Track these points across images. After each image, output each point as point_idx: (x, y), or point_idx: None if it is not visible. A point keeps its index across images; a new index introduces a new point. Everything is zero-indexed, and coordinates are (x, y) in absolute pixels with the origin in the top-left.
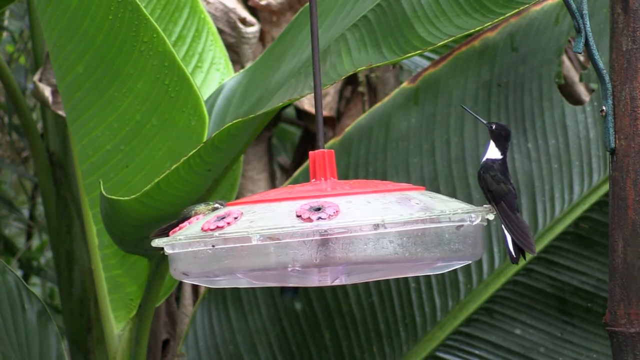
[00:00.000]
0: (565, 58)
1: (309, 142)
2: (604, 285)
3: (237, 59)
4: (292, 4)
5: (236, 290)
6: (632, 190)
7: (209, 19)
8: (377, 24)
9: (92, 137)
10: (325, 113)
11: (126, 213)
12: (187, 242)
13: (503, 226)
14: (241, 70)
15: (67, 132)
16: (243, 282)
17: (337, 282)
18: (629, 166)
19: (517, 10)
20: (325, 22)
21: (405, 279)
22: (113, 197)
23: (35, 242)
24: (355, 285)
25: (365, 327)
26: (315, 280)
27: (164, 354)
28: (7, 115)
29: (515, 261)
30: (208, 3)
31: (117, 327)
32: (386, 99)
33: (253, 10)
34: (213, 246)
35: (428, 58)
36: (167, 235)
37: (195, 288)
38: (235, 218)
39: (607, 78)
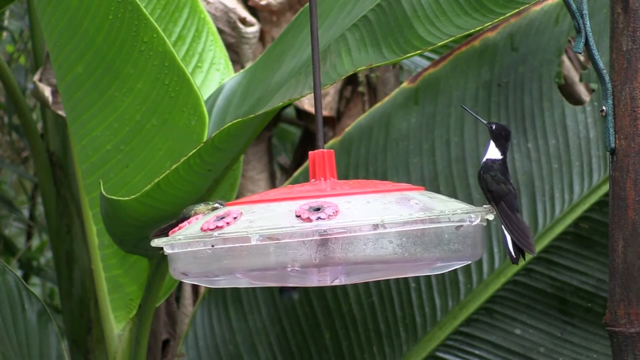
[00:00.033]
0: (565, 58)
1: (309, 142)
2: (604, 285)
3: (237, 59)
4: (292, 4)
5: (236, 290)
6: (632, 190)
7: (209, 19)
8: (377, 24)
9: (92, 137)
10: (325, 113)
11: (126, 213)
12: (187, 242)
13: (503, 226)
14: (241, 70)
15: (67, 132)
16: (243, 282)
17: (336, 282)
18: (629, 166)
19: (517, 10)
20: (326, 22)
21: (405, 279)
22: (113, 197)
23: (35, 242)
24: (355, 285)
25: (365, 327)
26: (314, 280)
27: (164, 354)
28: (7, 115)
29: (515, 261)
30: (208, 3)
31: (117, 327)
32: (386, 99)
33: (253, 10)
34: (212, 246)
35: (428, 58)
36: (167, 235)
37: (195, 288)
38: (235, 218)
39: (607, 78)
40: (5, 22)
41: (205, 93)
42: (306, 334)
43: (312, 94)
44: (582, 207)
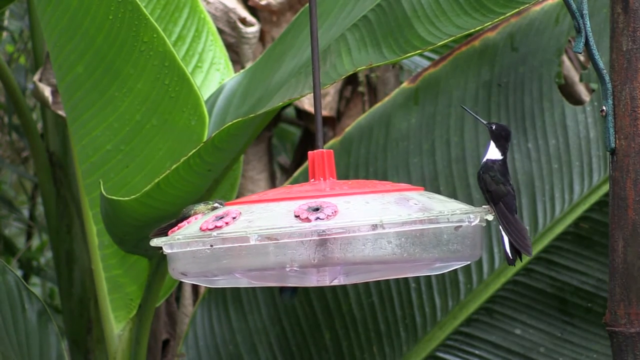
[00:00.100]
0: (565, 58)
1: (309, 142)
2: (604, 285)
3: (237, 59)
4: (292, 4)
5: (236, 290)
6: (632, 190)
7: (209, 19)
8: (377, 23)
9: (92, 137)
10: (325, 113)
11: (126, 213)
12: (186, 241)
13: (500, 227)
14: (241, 71)
15: (67, 132)
16: (242, 282)
17: (335, 282)
18: (629, 166)
19: (517, 10)
20: (326, 23)
21: (405, 279)
22: (113, 197)
23: (35, 242)
24: (355, 285)
25: (365, 327)
26: (313, 280)
27: (164, 354)
28: (7, 115)
29: (511, 262)
30: (208, 3)
31: (117, 327)
32: (386, 99)
33: (253, 10)
34: (211, 246)
35: (428, 58)
36: (166, 235)
37: (195, 288)
38: (234, 218)
39: (607, 78)
40: (5, 22)
41: (205, 93)
42: (306, 334)
43: (312, 94)
44: (582, 207)
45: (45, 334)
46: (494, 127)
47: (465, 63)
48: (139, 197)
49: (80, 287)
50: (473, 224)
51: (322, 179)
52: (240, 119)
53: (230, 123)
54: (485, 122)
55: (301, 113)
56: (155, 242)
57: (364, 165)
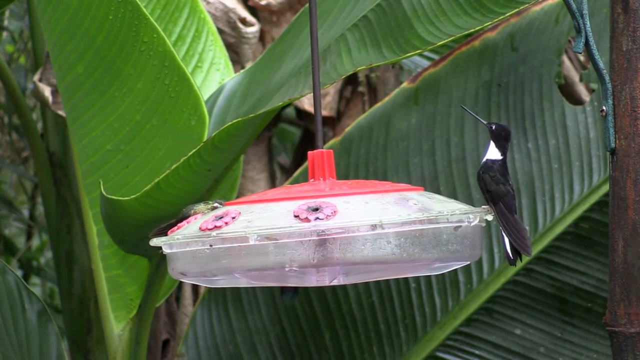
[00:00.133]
0: (565, 58)
1: (309, 142)
2: (604, 285)
3: (237, 59)
4: (292, 4)
5: (236, 290)
6: (632, 190)
7: (209, 19)
8: (377, 23)
9: (92, 137)
10: (325, 113)
11: (126, 213)
12: (185, 241)
13: (500, 227)
14: (242, 71)
15: (67, 132)
16: (242, 282)
17: (335, 282)
18: (629, 166)
19: (517, 10)
20: (326, 23)
21: (406, 279)
22: (113, 197)
23: (35, 242)
24: (355, 285)
25: (365, 327)
26: (313, 280)
27: (164, 354)
28: (7, 115)
29: (512, 263)
30: (208, 3)
31: (117, 327)
32: (386, 99)
33: (253, 10)
34: (211, 246)
35: (428, 58)
36: (166, 235)
37: (195, 288)
38: (233, 218)
39: (607, 78)
40: (5, 22)
41: (205, 93)
42: (306, 334)
43: (312, 94)
44: (582, 207)
45: (45, 334)
46: (493, 127)
47: (465, 63)
48: (139, 197)
49: (80, 287)
50: (472, 224)
51: (321, 179)
52: (240, 119)
53: (230, 123)
54: (485, 122)
55: (301, 113)
56: (155, 241)
57: (364, 165)
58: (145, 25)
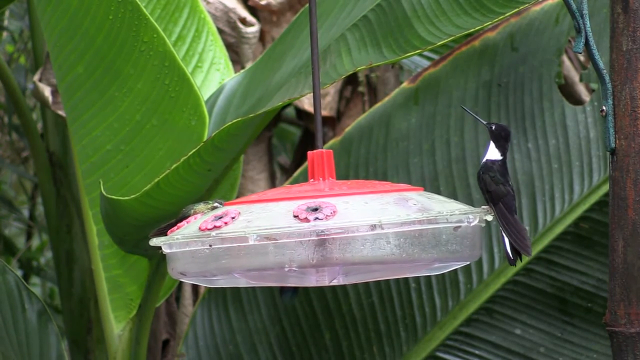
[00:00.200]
0: (565, 58)
1: (309, 142)
2: (604, 285)
3: (237, 59)
4: (292, 4)
5: (236, 290)
6: (632, 190)
7: (209, 19)
8: (377, 23)
9: (92, 137)
10: (325, 113)
11: (126, 213)
12: (185, 241)
13: (500, 228)
14: (242, 71)
15: (67, 132)
16: (241, 282)
17: (334, 282)
18: (629, 166)
19: (517, 10)
20: (326, 23)
21: (406, 279)
22: (113, 197)
23: (35, 242)
24: (355, 285)
25: (365, 327)
26: (313, 280)
27: (164, 354)
28: (7, 115)
29: (512, 263)
30: (208, 3)
31: (117, 327)
32: (386, 99)
33: (253, 10)
34: (210, 246)
35: (428, 58)
36: (166, 235)
37: (195, 288)
38: (233, 218)
39: (607, 78)
40: (5, 22)
41: (205, 93)
42: (306, 334)
43: (312, 94)
44: (582, 207)
45: (45, 334)
46: (493, 127)
47: (465, 63)
48: (138, 197)
49: (80, 287)
50: (472, 224)
51: (321, 179)
52: (240, 119)
53: (230, 123)
54: (485, 122)
55: (301, 113)
56: (154, 241)
57: (364, 165)
58: (145, 25)
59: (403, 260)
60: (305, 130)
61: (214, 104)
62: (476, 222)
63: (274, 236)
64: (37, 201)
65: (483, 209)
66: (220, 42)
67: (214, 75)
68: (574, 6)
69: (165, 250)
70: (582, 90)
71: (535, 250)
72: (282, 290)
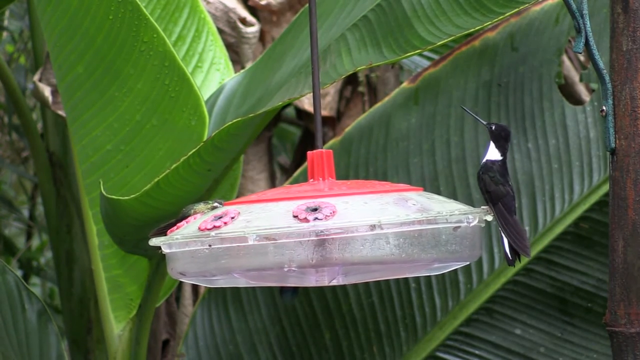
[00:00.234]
0: (565, 58)
1: (309, 142)
2: (604, 285)
3: (237, 59)
4: (292, 4)
5: (236, 290)
6: (632, 190)
7: (209, 19)
8: (377, 23)
9: (92, 137)
10: (325, 113)
11: (126, 213)
12: (184, 241)
13: (499, 228)
14: (242, 71)
15: (67, 132)
16: (241, 282)
17: (334, 282)
18: (629, 166)
19: (517, 10)
20: (326, 23)
21: (405, 279)
22: (113, 197)
23: (35, 242)
24: (355, 285)
25: (365, 327)
26: (312, 280)
27: (164, 354)
28: (7, 115)
29: (511, 263)
30: (208, 3)
31: (117, 327)
32: (386, 99)
33: (253, 10)
34: (210, 246)
35: (428, 58)
36: (165, 235)
37: (195, 288)
38: (232, 218)
39: (607, 78)
40: (5, 22)
41: (205, 93)
42: (306, 334)
43: (312, 94)
44: (582, 207)
45: (45, 334)
46: (493, 127)
47: (465, 63)
48: (138, 197)
49: (80, 287)
50: (472, 224)
51: (321, 179)
52: (240, 119)
53: (230, 123)
54: (485, 122)
55: (301, 113)
56: (154, 241)
57: (364, 165)
58: (145, 25)
59: (402, 261)
60: (305, 130)
61: (214, 104)
62: (476, 222)
63: (274, 236)
64: (37, 201)
65: (483, 209)
66: (220, 42)
67: (214, 75)
68: (574, 6)
69: (165, 250)
70: (582, 90)
71: (535, 250)
72: (282, 290)
